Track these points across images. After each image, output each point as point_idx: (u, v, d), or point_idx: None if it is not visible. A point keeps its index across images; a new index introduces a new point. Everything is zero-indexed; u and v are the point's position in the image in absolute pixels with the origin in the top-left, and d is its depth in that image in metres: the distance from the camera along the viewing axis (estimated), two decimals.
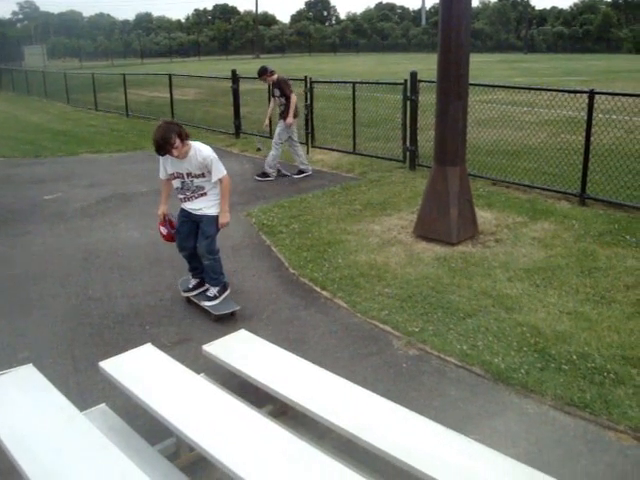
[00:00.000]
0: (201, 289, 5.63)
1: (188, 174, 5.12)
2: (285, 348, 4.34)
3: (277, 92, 10.20)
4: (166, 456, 3.41)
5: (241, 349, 4.25)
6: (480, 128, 10.37)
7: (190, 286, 5.68)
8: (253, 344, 4.34)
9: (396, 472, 3.13)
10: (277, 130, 10.28)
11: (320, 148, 12.28)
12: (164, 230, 5.51)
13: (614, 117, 8.80)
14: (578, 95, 8.39)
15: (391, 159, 10.86)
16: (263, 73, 10.26)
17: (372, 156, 11.27)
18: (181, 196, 5.31)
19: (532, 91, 10.23)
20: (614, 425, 3.73)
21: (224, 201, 5.27)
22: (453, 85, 6.56)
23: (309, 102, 12.04)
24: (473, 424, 3.79)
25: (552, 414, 3.89)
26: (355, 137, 11.64)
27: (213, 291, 5.45)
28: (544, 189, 8.65)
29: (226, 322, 5.20)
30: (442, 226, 6.72)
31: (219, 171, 5.12)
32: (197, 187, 5.19)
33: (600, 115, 8.49)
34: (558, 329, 4.83)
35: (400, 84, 10.22)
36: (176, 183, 5.23)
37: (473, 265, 6.14)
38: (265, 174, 10.32)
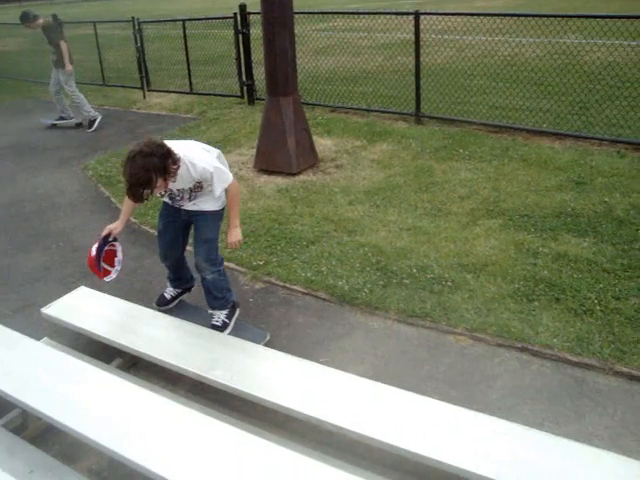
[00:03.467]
0: (180, 299, 4.44)
1: (179, 190, 3.69)
2: (130, 299, 4.24)
3: (46, 39, 9.48)
4: (12, 429, 3.22)
5: (82, 307, 4.11)
6: (318, 56, 10.35)
7: (168, 297, 4.37)
8: (94, 300, 4.21)
9: (251, 406, 3.15)
10: (61, 80, 9.66)
11: (157, 91, 11.82)
12: (93, 251, 3.83)
13: (446, 37, 9.05)
14: (411, 17, 8.44)
15: (230, 95, 10.64)
16: (25, 20, 9.32)
17: (210, 94, 11.02)
18: (172, 203, 3.92)
19: (369, 16, 10.29)
20: (452, 329, 3.92)
21: (233, 214, 3.81)
22: (277, 14, 6.40)
23: (140, 44, 11.46)
24: (322, 348, 3.85)
25: (396, 327, 4.02)
26: (191, 76, 11.30)
27: (220, 317, 3.99)
28: (382, 111, 8.81)
29: (67, 281, 4.94)
30: (281, 157, 6.67)
31: (223, 181, 3.62)
32: (192, 189, 3.73)
33: (433, 35, 8.69)
34: (398, 245, 4.98)
35: (230, 18, 9.95)
36: (164, 198, 3.89)
37: (314, 193, 6.18)
38: (91, 122, 9.82)
